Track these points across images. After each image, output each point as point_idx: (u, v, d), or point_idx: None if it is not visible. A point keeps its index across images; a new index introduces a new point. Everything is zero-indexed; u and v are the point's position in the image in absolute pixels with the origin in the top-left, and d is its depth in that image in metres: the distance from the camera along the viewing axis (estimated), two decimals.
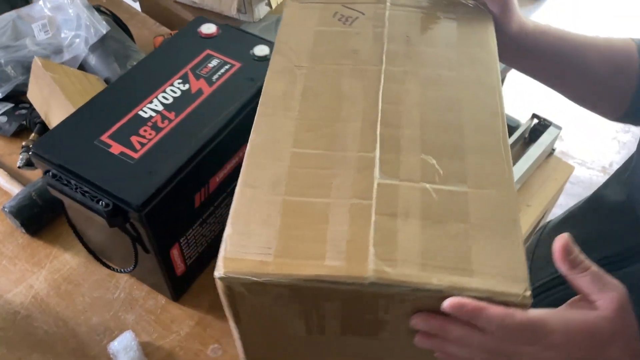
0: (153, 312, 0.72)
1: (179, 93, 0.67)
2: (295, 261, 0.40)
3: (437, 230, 0.42)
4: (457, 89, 0.52)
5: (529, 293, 0.38)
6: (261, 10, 1.29)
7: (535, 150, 1.02)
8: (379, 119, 0.49)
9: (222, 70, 0.70)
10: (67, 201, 0.63)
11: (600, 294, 0.39)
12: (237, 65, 0.71)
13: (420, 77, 0.53)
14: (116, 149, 0.61)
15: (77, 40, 0.92)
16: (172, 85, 0.68)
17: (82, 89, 0.78)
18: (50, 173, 0.59)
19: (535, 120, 1.07)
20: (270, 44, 0.73)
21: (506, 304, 0.38)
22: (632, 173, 0.58)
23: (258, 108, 0.50)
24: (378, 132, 0.48)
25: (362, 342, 0.48)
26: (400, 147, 0.48)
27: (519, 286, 0.39)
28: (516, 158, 1.01)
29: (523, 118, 1.10)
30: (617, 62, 0.62)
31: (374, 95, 0.51)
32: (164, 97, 0.66)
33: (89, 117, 0.64)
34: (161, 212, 0.58)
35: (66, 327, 0.71)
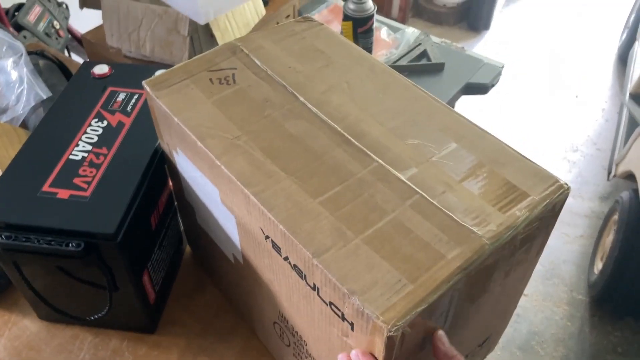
0: None
1: (100, 130, 0.68)
2: (427, 274, 0.41)
3: (477, 182, 0.47)
4: (368, 84, 0.58)
5: (567, 185, 0.48)
6: None
7: None
8: (348, 136, 0.52)
9: (133, 101, 0.72)
10: (23, 260, 0.61)
11: None
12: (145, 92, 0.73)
13: (336, 90, 0.57)
14: (64, 194, 0.60)
15: (18, 102, 0.91)
16: (90, 125, 0.68)
17: (7, 142, 0.75)
18: (3, 236, 0.57)
19: None
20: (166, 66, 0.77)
21: (552, 189, 0.47)
22: None
23: (247, 192, 0.47)
24: (360, 145, 0.51)
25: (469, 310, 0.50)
26: (386, 146, 0.51)
27: (552, 179, 0.48)
28: None
29: None
30: None
31: (323, 122, 0.53)
32: (88, 138, 0.67)
33: (21, 174, 0.63)
34: (130, 238, 0.60)
35: None
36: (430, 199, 0.46)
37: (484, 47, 2.87)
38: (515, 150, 0.51)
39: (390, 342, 0.39)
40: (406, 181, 0.48)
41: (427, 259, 0.42)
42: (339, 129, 0.52)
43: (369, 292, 0.40)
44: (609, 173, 2.00)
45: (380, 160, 0.49)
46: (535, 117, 2.45)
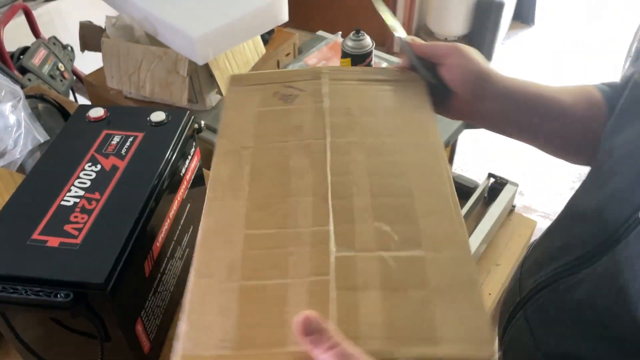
0: None
1: (94, 175, 0.67)
2: (255, 351, 0.38)
3: (398, 299, 0.41)
4: (402, 155, 0.53)
5: (496, 356, 0.42)
6: (212, 99, 1.31)
7: (495, 209, 1.00)
8: (330, 191, 0.49)
9: (128, 144, 0.71)
10: (12, 312, 0.59)
11: None
12: (140, 135, 0.72)
13: (365, 146, 0.54)
14: (54, 242, 0.59)
15: (15, 147, 0.92)
16: (83, 170, 0.67)
17: (3, 187, 0.74)
18: None
19: (492, 180, 1.07)
20: (166, 107, 0.76)
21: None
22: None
23: (207, 194, 0.48)
24: (330, 205, 0.48)
25: None
26: (354, 217, 0.47)
27: (485, 349, 0.39)
28: (478, 218, 0.99)
29: (480, 178, 1.10)
30: (588, 98, 0.62)
31: (322, 168, 0.51)
32: (80, 183, 0.66)
33: (12, 221, 0.61)
34: (122, 287, 0.57)
35: None
36: (331, 286, 0.42)
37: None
38: (479, 293, 0.43)
39: None
40: (332, 259, 0.44)
41: (270, 337, 0.39)
42: (329, 180, 0.50)
43: (196, 331, 0.39)
44: None
45: (332, 228, 0.46)
46: None
